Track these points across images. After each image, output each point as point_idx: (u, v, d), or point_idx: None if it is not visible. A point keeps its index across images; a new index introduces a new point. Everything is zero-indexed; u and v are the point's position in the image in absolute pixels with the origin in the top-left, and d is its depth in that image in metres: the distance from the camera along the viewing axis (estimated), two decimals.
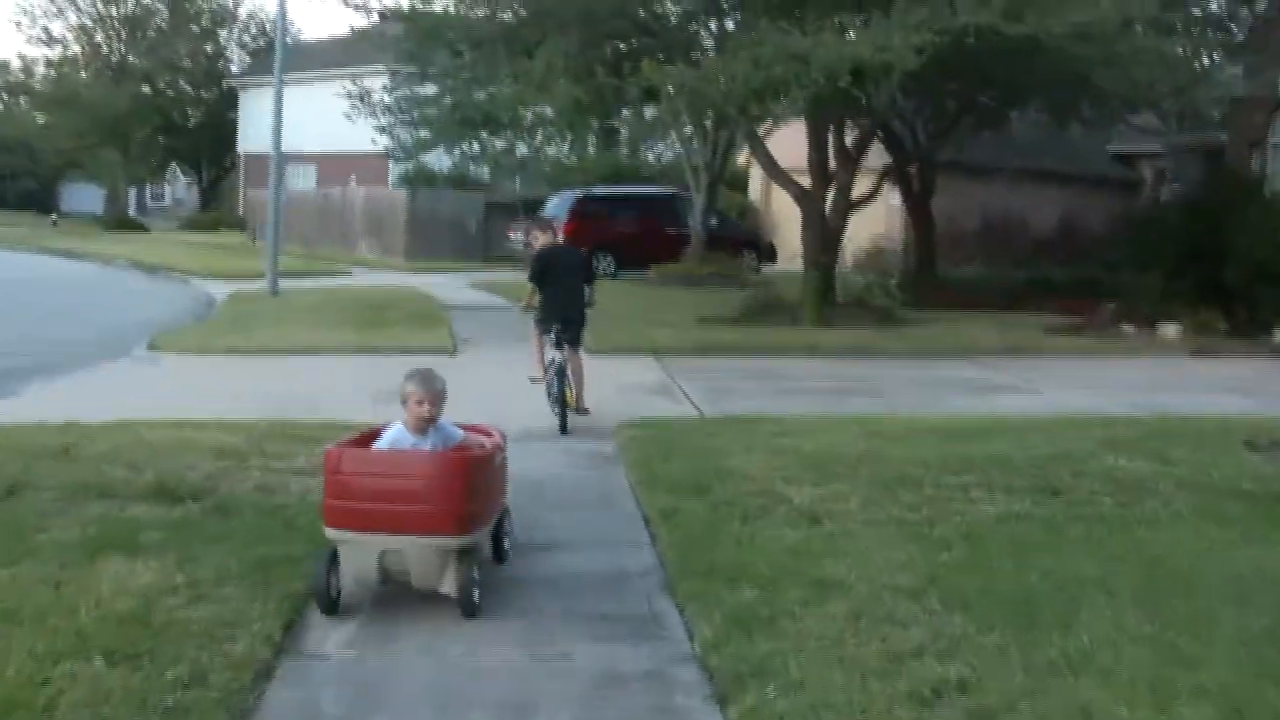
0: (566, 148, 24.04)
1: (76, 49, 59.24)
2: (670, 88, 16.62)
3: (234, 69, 60.53)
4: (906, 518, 7.66)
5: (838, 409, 12.20)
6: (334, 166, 46.37)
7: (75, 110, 56.73)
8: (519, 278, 29.85)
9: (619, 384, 13.60)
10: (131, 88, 57.37)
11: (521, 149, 20.80)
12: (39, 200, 66.64)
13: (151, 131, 58.00)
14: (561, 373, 10.78)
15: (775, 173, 20.87)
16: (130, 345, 16.42)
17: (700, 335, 17.98)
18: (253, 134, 50.51)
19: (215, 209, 58.06)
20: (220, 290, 25.73)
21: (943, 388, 14.31)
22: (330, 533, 6.00)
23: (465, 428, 6.65)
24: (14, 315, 21.02)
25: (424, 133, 19.83)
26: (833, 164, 20.87)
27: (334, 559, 6.00)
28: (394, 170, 40.26)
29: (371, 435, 6.52)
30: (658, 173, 37.22)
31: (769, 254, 32.12)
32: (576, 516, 7.96)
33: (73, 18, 58.13)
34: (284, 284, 24.31)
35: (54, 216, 58.50)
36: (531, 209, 31.23)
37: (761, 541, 7.04)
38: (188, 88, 60.60)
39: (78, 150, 59.24)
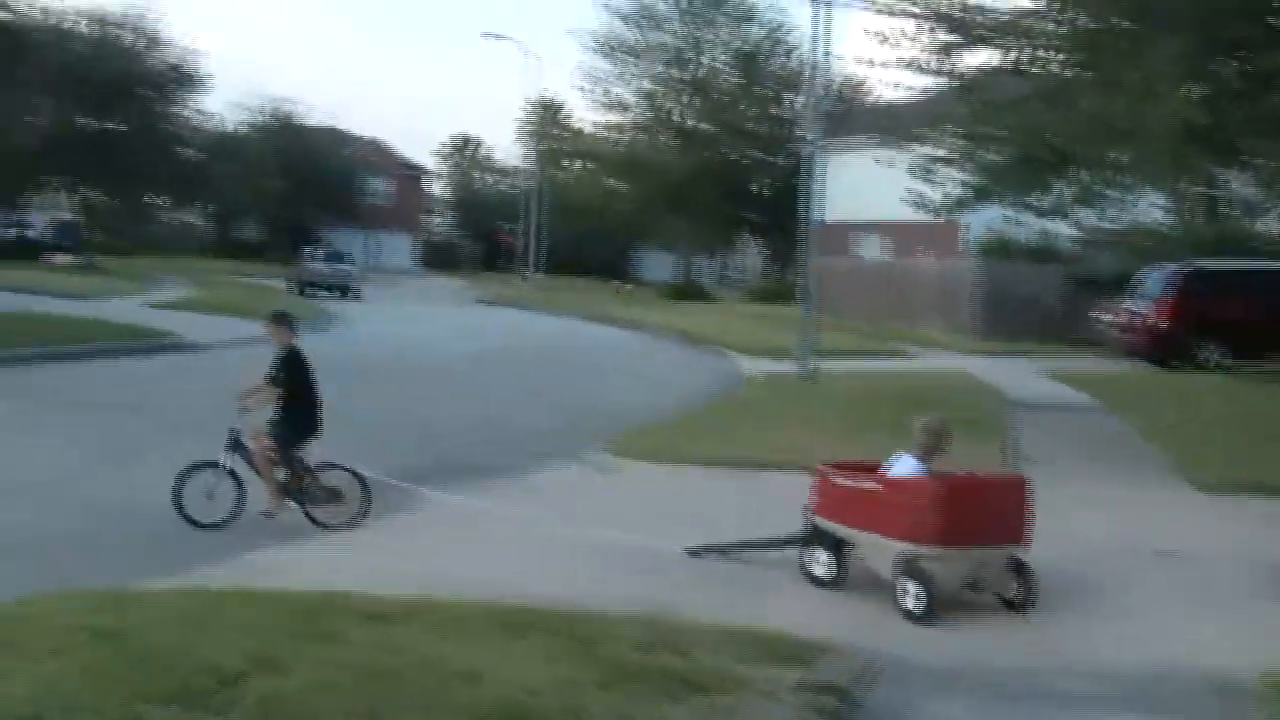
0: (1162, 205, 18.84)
1: (643, 114, 59.10)
2: None
3: (806, 135, 58.23)
4: None
5: None
6: (904, 236, 42.92)
7: (642, 176, 56.43)
8: (1106, 367, 24.99)
9: (1240, 575, 8.44)
10: (699, 153, 56.41)
11: (1108, 210, 15.89)
12: (611, 267, 67.73)
13: (719, 198, 56.83)
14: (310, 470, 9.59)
15: None
16: (597, 441, 13.44)
17: None
18: (824, 202, 47.97)
19: (783, 279, 56.07)
20: (756, 368, 23.30)
21: None
22: (931, 551, 7.28)
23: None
24: (507, 391, 19.71)
25: (980, 180, 15.44)
26: None
27: (930, 580, 7.23)
28: (966, 240, 36.18)
29: (857, 465, 8.28)
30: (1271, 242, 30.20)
31: None
32: None
33: (640, 83, 57.99)
34: (826, 365, 21.21)
35: (617, 284, 58.71)
36: (1122, 285, 25.86)
37: None
38: (758, 153, 59.04)
39: (645, 217, 59.06)
